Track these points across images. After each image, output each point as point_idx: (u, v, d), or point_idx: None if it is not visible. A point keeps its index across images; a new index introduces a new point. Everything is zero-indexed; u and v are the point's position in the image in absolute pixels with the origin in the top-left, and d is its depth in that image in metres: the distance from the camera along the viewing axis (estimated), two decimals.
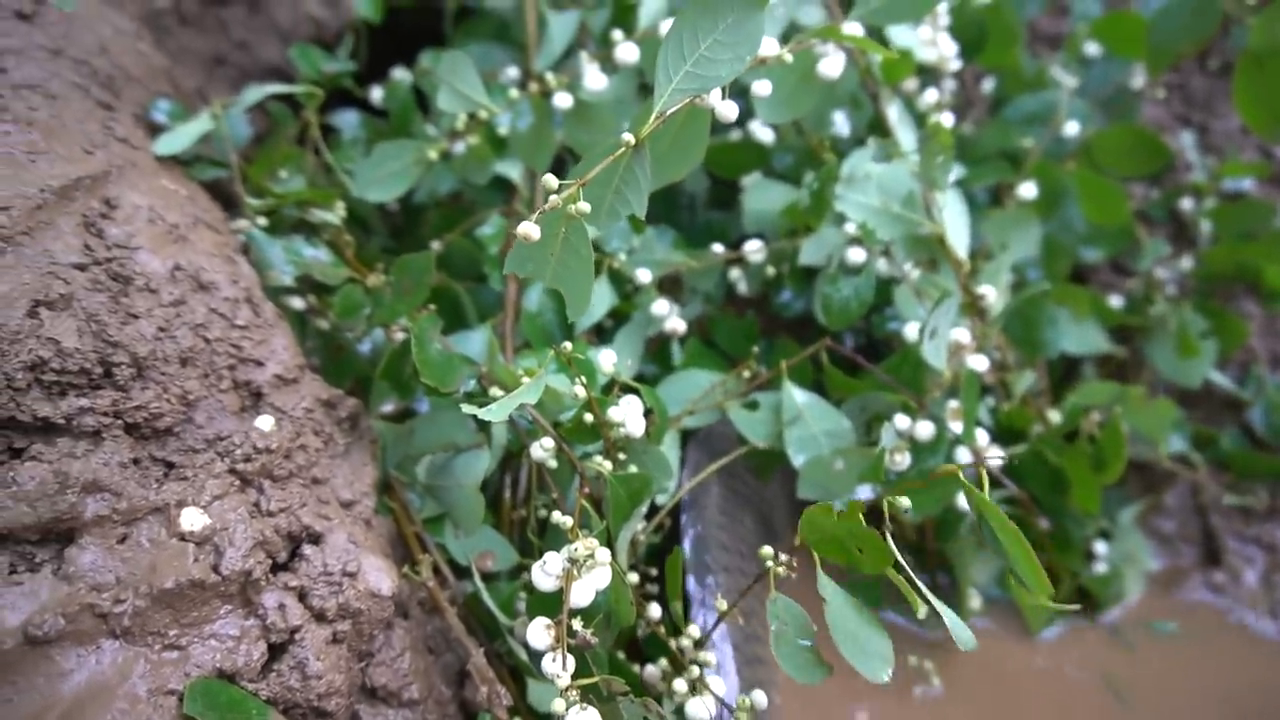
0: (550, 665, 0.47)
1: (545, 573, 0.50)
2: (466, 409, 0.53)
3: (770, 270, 0.84)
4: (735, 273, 0.86)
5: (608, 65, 0.78)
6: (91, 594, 0.44)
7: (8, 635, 0.42)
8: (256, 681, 0.48)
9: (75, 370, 0.49)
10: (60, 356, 0.48)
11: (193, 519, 0.48)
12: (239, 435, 0.53)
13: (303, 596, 0.51)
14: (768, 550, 0.57)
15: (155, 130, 0.74)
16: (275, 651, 0.50)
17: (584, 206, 0.53)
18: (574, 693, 0.46)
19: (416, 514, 0.65)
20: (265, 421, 0.55)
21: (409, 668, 0.55)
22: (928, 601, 0.51)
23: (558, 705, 0.45)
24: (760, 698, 0.57)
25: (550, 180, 0.52)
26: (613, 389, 0.64)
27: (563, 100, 0.77)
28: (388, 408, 0.75)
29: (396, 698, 0.54)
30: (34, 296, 0.49)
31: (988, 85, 0.97)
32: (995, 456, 0.75)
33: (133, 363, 0.50)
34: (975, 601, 0.83)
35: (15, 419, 0.47)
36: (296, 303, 0.75)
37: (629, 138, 0.54)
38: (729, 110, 0.57)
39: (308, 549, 0.53)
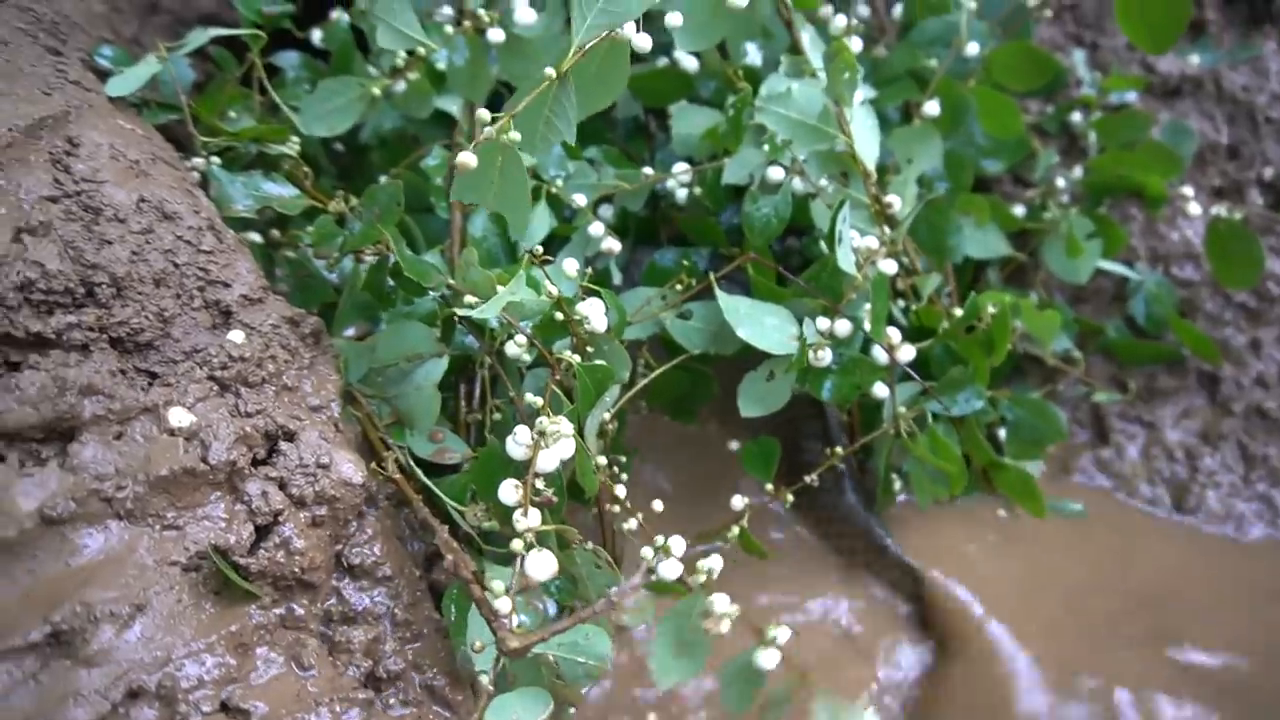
0: (520, 520, 0.54)
1: (516, 443, 0.57)
2: (460, 314, 0.59)
3: (698, 191, 0.90)
4: (682, 193, 0.91)
5: (536, 0, 0.83)
6: (95, 482, 0.50)
7: (27, 517, 0.48)
8: (247, 557, 0.55)
9: (60, 290, 0.54)
10: (46, 277, 0.53)
11: (180, 416, 0.54)
12: (214, 347, 0.59)
13: (283, 486, 0.58)
14: None
15: (102, 75, 0.77)
16: (262, 532, 0.57)
17: (515, 135, 0.59)
18: (531, 535, 0.54)
19: (380, 422, 0.72)
20: (236, 335, 0.60)
21: (381, 549, 0.62)
22: None
23: (516, 545, 0.53)
24: (716, 561, 0.63)
25: (484, 114, 0.58)
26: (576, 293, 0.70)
27: (495, 35, 0.82)
28: (350, 332, 0.80)
29: (371, 574, 0.61)
30: (16, 224, 0.54)
31: (897, 10, 1.03)
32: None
33: (112, 282, 0.56)
34: (897, 484, 0.92)
35: (10, 335, 0.52)
36: (257, 238, 0.80)
37: (551, 72, 0.60)
38: (644, 42, 0.63)
39: (284, 445, 0.59)
